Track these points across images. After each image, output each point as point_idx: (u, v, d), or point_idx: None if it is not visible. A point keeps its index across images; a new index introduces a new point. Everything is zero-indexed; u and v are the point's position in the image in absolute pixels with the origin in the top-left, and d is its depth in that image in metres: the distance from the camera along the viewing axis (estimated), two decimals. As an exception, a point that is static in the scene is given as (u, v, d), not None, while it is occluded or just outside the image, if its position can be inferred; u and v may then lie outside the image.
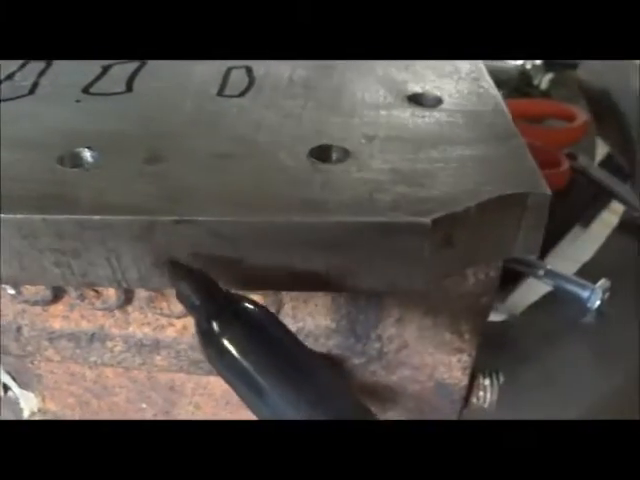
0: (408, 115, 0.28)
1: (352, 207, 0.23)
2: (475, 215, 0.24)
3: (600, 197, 0.54)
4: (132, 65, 0.32)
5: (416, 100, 0.30)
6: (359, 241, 0.23)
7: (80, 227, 0.23)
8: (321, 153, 0.26)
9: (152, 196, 0.24)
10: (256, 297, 0.28)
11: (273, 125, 0.27)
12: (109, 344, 0.30)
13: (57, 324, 0.30)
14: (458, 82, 0.31)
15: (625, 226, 0.50)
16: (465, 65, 0.32)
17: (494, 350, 0.42)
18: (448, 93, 0.30)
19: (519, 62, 0.61)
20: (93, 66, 0.32)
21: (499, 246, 0.25)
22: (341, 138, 0.27)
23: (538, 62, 0.62)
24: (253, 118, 0.28)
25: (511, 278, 0.49)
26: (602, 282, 0.43)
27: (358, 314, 0.28)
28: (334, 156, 0.26)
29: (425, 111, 0.29)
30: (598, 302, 0.42)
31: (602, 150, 0.65)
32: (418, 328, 0.29)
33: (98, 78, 0.31)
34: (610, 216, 0.52)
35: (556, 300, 0.44)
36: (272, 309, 0.28)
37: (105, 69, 0.32)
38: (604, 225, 0.52)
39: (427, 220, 0.23)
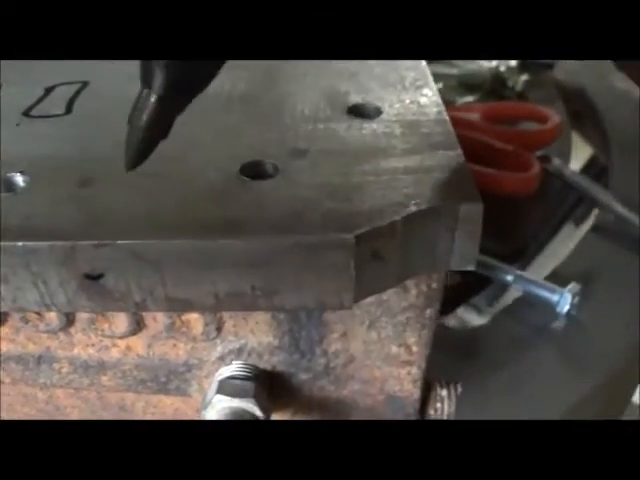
0: (344, 127, 0.28)
1: (276, 226, 0.23)
2: (402, 228, 0.24)
3: (575, 199, 0.53)
4: (75, 86, 0.32)
5: (356, 111, 0.29)
6: (283, 260, 0.23)
7: (5, 253, 0.23)
8: (251, 170, 0.25)
9: (76, 220, 0.24)
10: (194, 315, 0.28)
11: (206, 142, 0.27)
12: (56, 366, 0.30)
13: (4, 347, 0.30)
14: (401, 92, 0.31)
15: (599, 228, 0.50)
16: (410, 74, 0.32)
17: (462, 357, 0.42)
18: (389, 103, 0.30)
19: (493, 64, 0.60)
20: (37, 88, 0.32)
21: (433, 258, 0.25)
22: (274, 154, 0.26)
23: (512, 63, 0.61)
24: (187, 135, 0.27)
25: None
26: (571, 286, 0.42)
27: (300, 330, 0.28)
28: (264, 172, 0.26)
29: (363, 123, 0.28)
30: (567, 306, 0.42)
31: (586, 153, 0.64)
32: (363, 342, 0.29)
33: (40, 100, 0.31)
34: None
35: (526, 305, 0.44)
36: (212, 327, 0.28)
37: (48, 91, 0.32)
38: (578, 227, 0.51)
39: (350, 236, 0.23)
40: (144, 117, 0.21)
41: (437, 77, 0.61)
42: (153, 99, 0.20)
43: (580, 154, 0.64)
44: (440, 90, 0.59)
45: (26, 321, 0.29)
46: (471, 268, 0.26)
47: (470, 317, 0.49)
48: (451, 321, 0.49)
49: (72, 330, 0.29)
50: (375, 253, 0.23)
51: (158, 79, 0.20)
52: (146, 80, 0.20)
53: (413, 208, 0.24)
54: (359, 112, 0.29)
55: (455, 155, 0.27)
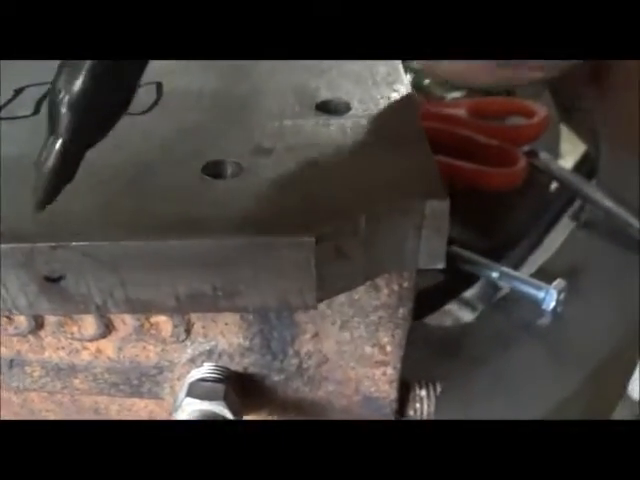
0: (312, 124, 0.28)
1: (236, 225, 0.23)
2: (367, 225, 0.23)
3: (569, 196, 0.52)
4: (45, 87, 0.32)
5: (324, 108, 0.29)
6: (244, 260, 0.22)
7: (-37, 257, 0.23)
8: (214, 169, 0.25)
9: (36, 222, 0.23)
10: (162, 317, 0.27)
11: (170, 141, 0.27)
12: (28, 369, 0.30)
13: (-25, 351, 0.30)
14: (372, 87, 0.30)
15: (586, 224, 0.49)
16: (382, 69, 0.32)
17: (446, 354, 0.41)
18: (359, 99, 0.29)
19: (479, 60, 0.60)
20: (8, 90, 0.32)
21: (401, 256, 0.25)
22: (238, 152, 0.26)
23: (500, 59, 0.60)
24: (152, 135, 0.27)
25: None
26: (557, 283, 0.41)
27: (271, 331, 0.28)
28: (227, 171, 0.25)
29: (331, 119, 0.28)
30: (553, 303, 0.41)
31: (580, 149, 0.63)
32: (336, 343, 0.28)
33: (9, 102, 0.31)
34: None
35: (511, 302, 0.43)
36: (181, 329, 0.27)
37: (17, 92, 0.32)
38: (565, 223, 0.50)
39: (311, 234, 0.22)
40: (49, 163, 0.21)
41: (425, 73, 0.61)
42: (58, 145, 0.20)
43: (574, 150, 0.63)
44: (428, 86, 0.59)
45: (-5, 325, 0.28)
46: (440, 266, 0.25)
47: (463, 314, 0.49)
48: (444, 318, 0.49)
49: (42, 333, 0.28)
50: (339, 251, 0.23)
51: (63, 123, 0.20)
52: (52, 125, 0.20)
53: (378, 205, 0.23)
54: (327, 108, 0.29)
55: (423, 151, 0.26)
